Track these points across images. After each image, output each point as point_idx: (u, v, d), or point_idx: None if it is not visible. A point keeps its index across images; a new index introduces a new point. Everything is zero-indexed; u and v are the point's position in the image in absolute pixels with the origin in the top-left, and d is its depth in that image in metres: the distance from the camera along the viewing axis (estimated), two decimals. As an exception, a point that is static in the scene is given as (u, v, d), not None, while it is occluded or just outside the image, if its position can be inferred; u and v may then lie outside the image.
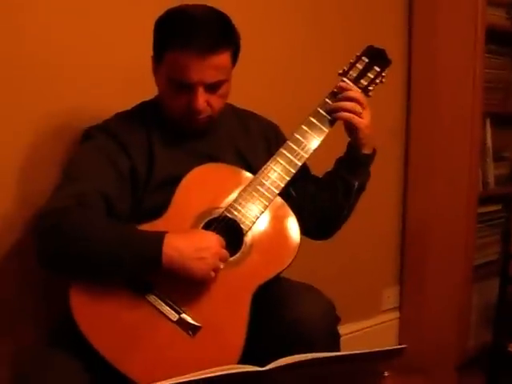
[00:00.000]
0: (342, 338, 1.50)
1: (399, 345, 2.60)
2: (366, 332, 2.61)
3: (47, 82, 1.71)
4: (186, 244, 1.37)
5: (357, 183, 1.63)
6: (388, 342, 2.67)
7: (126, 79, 1.81)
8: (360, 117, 1.57)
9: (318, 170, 1.73)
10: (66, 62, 1.74)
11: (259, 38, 2.11)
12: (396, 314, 2.77)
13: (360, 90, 1.60)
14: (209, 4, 1.54)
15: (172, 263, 1.35)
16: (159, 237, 1.35)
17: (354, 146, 1.63)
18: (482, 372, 2.48)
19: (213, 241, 1.40)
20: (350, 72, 1.61)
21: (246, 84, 1.87)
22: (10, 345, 1.71)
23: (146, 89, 1.58)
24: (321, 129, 1.55)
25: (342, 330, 1.55)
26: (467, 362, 2.56)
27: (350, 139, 1.63)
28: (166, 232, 1.37)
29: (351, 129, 1.59)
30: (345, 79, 1.60)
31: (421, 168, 2.67)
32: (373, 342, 2.49)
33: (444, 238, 2.58)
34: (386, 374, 1.35)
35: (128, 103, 1.63)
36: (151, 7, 1.56)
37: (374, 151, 1.65)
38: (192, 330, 1.38)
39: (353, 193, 1.63)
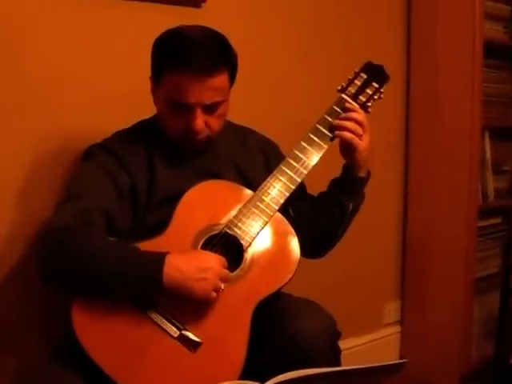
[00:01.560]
0: (343, 353, 1.50)
1: (401, 359, 2.59)
2: (367, 346, 2.61)
3: (47, 103, 1.73)
4: (188, 264, 1.37)
5: (351, 205, 1.63)
6: (390, 356, 2.65)
7: (125, 100, 1.82)
8: (360, 139, 1.57)
9: (313, 189, 1.73)
10: (65, 83, 1.76)
11: (258, 55, 2.13)
12: (397, 328, 2.76)
13: (363, 111, 1.59)
14: (209, 21, 1.56)
15: (173, 283, 1.35)
16: (160, 257, 1.36)
17: (349, 168, 1.63)
18: (486, 385, 2.48)
19: (214, 261, 1.40)
20: (349, 88, 1.60)
21: (245, 100, 1.88)
22: (14, 361, 1.72)
23: (146, 109, 1.59)
24: (320, 145, 1.55)
25: (344, 344, 1.55)
26: (470, 375, 2.54)
27: (346, 161, 1.63)
28: (168, 252, 1.37)
29: (349, 150, 1.58)
30: (344, 96, 1.60)
31: (421, 181, 2.67)
32: (374, 356, 2.48)
33: (445, 252, 2.58)
34: (387, 388, 1.35)
35: (128, 123, 1.64)
36: (151, 28, 1.57)
37: (369, 174, 1.66)
38: (193, 346, 1.38)
39: (347, 214, 1.63)
